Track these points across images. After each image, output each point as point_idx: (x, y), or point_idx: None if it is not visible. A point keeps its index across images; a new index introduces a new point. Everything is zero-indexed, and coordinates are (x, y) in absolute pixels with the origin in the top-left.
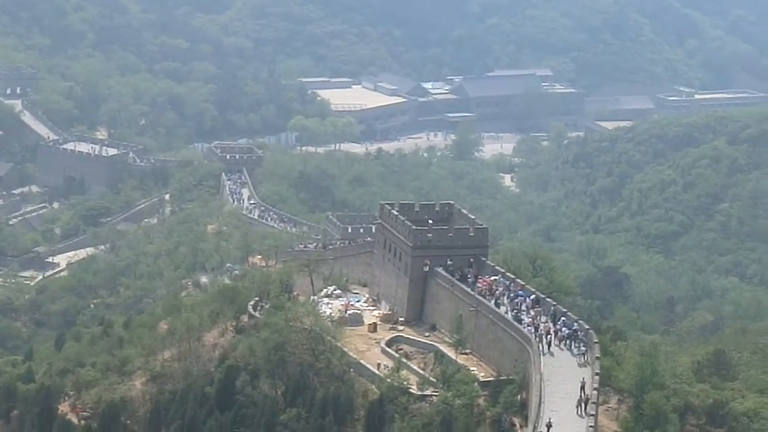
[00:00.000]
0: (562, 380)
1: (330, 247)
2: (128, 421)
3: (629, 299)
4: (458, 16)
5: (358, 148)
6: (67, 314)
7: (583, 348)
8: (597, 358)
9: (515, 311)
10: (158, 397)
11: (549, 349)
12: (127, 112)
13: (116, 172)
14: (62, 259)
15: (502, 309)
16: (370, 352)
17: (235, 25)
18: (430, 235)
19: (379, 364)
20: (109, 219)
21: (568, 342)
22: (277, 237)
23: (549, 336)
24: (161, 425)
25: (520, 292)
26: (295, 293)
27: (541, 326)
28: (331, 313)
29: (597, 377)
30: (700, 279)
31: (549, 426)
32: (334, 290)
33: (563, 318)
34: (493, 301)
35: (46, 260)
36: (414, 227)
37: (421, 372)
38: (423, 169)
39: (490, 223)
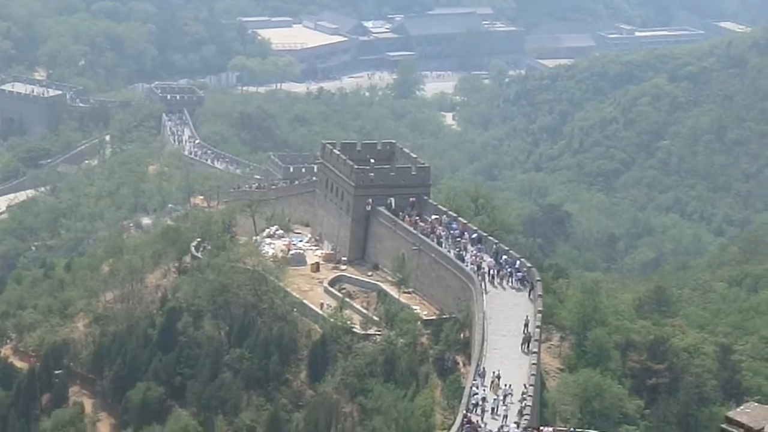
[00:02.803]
0: (504, 318)
1: (274, 187)
2: (71, 363)
3: (571, 237)
4: None
5: (299, 88)
6: (8, 257)
7: (519, 275)
8: (539, 295)
9: (458, 249)
10: (101, 339)
11: (493, 285)
12: (66, 53)
13: (56, 114)
14: (2, 202)
15: (445, 247)
16: (313, 291)
17: None
18: (372, 174)
19: (322, 304)
20: (49, 161)
21: (510, 279)
22: (218, 177)
23: (491, 272)
24: (104, 367)
25: (453, 224)
26: (237, 234)
27: (483, 264)
28: (273, 254)
29: (539, 315)
30: (641, 216)
31: (498, 376)
32: (277, 230)
33: (505, 256)
34: (435, 240)
35: None
36: (356, 166)
37: (364, 311)
38: (365, 108)
39: (432, 161)
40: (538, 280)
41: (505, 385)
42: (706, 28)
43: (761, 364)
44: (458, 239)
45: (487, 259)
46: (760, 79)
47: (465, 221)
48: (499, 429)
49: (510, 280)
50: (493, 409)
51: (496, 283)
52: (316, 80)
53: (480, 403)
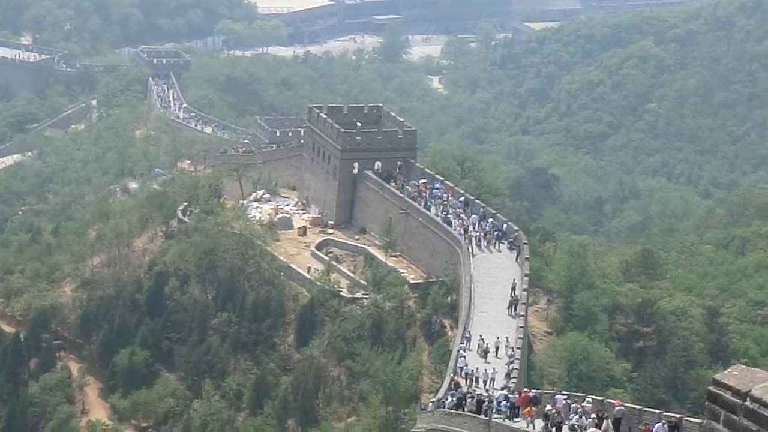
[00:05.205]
0: (491, 281)
1: (261, 150)
2: (58, 328)
3: (558, 200)
4: None
5: (285, 52)
6: None
7: (510, 238)
8: (526, 258)
9: (445, 213)
10: (88, 304)
11: (480, 249)
12: (52, 17)
13: (42, 78)
14: None
15: (432, 211)
16: (300, 255)
17: None
18: (358, 137)
19: (309, 268)
20: (35, 125)
21: (496, 242)
22: (205, 141)
23: (478, 235)
24: (91, 331)
25: (436, 185)
26: (224, 198)
27: (470, 227)
28: (260, 217)
29: (526, 278)
30: (627, 179)
31: (487, 352)
32: (264, 194)
33: (491, 219)
34: (422, 204)
35: None
36: (342, 130)
37: (352, 275)
38: (351, 71)
39: (419, 125)
40: (525, 243)
41: (497, 338)
42: None
43: (748, 326)
44: (444, 202)
45: (472, 217)
46: (746, 42)
47: (452, 185)
48: (486, 392)
49: (496, 243)
50: (479, 378)
51: (483, 246)
52: (303, 44)
53: (467, 366)
